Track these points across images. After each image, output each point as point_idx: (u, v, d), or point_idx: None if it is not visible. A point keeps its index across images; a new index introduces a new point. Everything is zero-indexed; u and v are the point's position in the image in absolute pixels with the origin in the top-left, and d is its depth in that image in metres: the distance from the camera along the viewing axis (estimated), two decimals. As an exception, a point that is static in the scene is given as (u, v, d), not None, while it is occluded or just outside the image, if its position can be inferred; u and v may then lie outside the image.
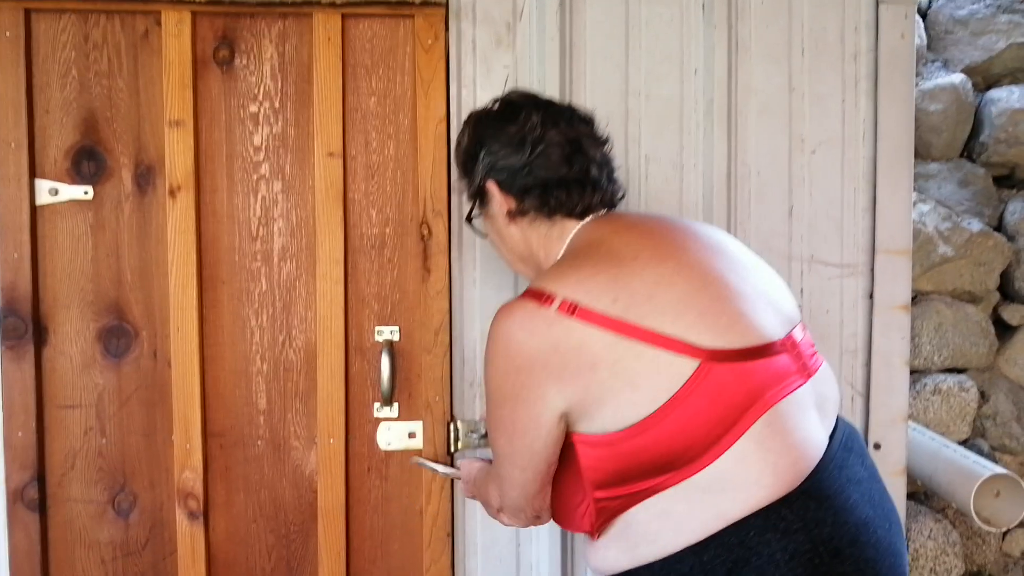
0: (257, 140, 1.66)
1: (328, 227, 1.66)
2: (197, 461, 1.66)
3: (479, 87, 1.68)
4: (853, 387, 1.80)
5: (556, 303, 1.08)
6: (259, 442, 1.69)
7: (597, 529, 1.13)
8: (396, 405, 1.70)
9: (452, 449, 1.70)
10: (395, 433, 1.70)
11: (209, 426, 1.67)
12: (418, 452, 1.70)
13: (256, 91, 1.66)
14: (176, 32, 1.62)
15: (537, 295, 1.11)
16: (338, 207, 1.66)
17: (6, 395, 1.61)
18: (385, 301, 1.70)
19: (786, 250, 1.77)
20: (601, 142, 1.33)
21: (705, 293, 1.10)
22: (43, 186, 1.62)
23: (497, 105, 1.35)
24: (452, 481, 1.70)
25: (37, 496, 1.63)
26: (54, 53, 1.62)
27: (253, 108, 1.66)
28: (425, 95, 1.66)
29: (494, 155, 1.28)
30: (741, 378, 1.05)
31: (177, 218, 1.63)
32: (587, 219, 1.27)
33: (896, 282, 1.78)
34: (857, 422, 1.79)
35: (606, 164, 1.32)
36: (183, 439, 1.65)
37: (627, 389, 1.05)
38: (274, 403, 1.69)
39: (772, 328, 1.12)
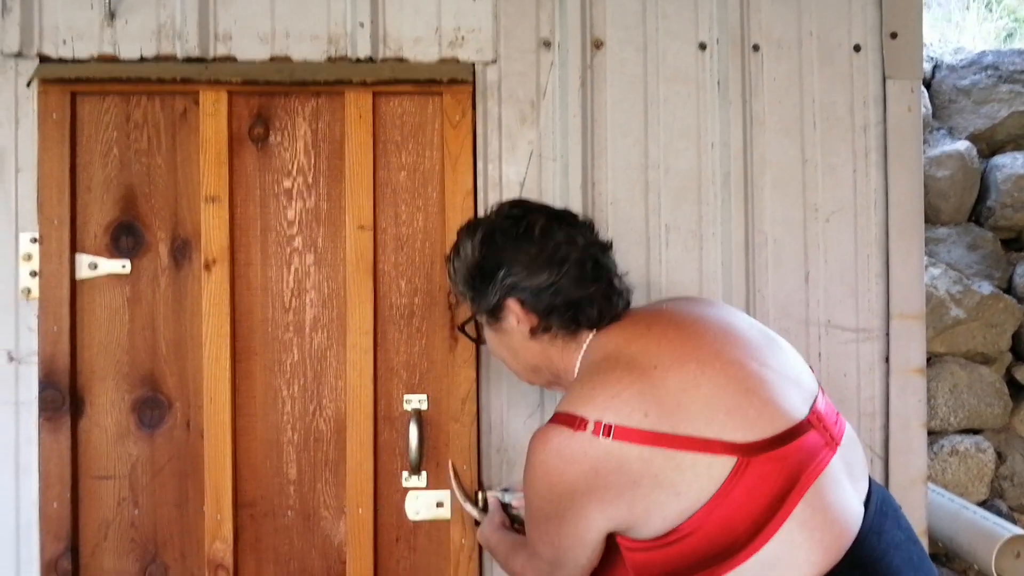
0: (291, 214, 1.71)
1: (358, 298, 1.70)
2: (228, 532, 1.67)
3: (505, 162, 1.74)
4: (872, 449, 1.82)
5: (590, 426, 1.09)
6: (289, 512, 1.70)
7: None
8: (424, 474, 1.72)
9: (479, 519, 1.70)
10: (423, 502, 1.72)
11: (240, 496, 1.69)
12: (446, 522, 1.72)
13: (290, 167, 1.72)
14: (213, 111, 1.68)
15: (569, 420, 1.12)
16: (368, 278, 1.70)
17: (43, 466, 1.63)
18: (413, 370, 1.73)
19: (803, 316, 1.81)
20: (607, 247, 1.36)
21: (730, 388, 1.12)
22: (83, 261, 1.66)
23: (507, 221, 1.33)
24: (480, 552, 1.71)
25: (70, 567, 1.63)
26: (97, 133, 1.68)
27: (287, 183, 1.71)
28: (453, 170, 1.72)
29: (516, 276, 1.27)
30: (778, 465, 1.07)
31: (212, 291, 1.67)
32: (601, 326, 1.29)
33: (911, 346, 1.82)
34: (878, 485, 1.81)
35: (617, 269, 1.35)
36: (214, 509, 1.66)
37: (671, 498, 1.07)
38: (304, 473, 1.71)
39: (797, 407, 1.14)
